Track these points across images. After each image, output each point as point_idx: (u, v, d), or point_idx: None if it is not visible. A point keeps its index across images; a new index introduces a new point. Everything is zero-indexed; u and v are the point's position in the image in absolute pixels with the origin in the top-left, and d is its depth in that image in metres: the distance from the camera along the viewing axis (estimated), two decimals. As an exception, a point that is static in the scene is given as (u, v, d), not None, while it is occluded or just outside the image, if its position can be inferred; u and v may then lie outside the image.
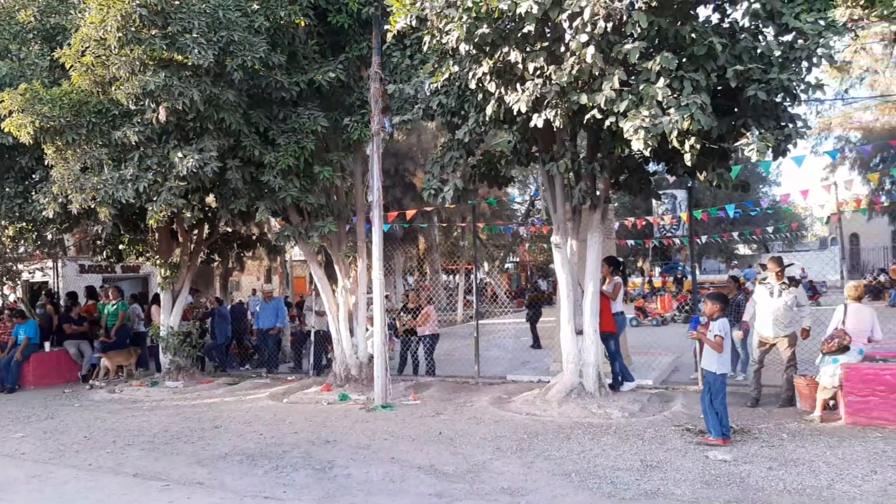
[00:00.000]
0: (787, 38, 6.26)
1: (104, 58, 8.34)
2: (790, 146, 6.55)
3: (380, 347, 8.94)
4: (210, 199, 10.90)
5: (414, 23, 7.11)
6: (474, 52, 6.94)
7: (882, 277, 26.93)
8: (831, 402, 7.31)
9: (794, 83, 6.08)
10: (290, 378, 11.57)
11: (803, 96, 6.49)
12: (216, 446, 7.10)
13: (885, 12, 5.81)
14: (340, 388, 9.83)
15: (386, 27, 7.61)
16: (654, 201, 26.98)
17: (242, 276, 27.90)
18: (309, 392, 9.92)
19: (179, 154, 8.49)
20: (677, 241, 29.91)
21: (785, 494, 5.00)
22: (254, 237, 14.45)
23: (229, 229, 12.99)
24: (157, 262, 11.48)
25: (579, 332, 8.38)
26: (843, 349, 7.06)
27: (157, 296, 12.21)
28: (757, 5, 6.23)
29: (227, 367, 12.92)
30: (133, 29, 8.04)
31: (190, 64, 8.20)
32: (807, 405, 7.53)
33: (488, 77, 7.07)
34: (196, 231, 11.99)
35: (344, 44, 9.35)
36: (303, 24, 8.87)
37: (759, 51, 6.12)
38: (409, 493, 5.40)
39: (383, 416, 8.26)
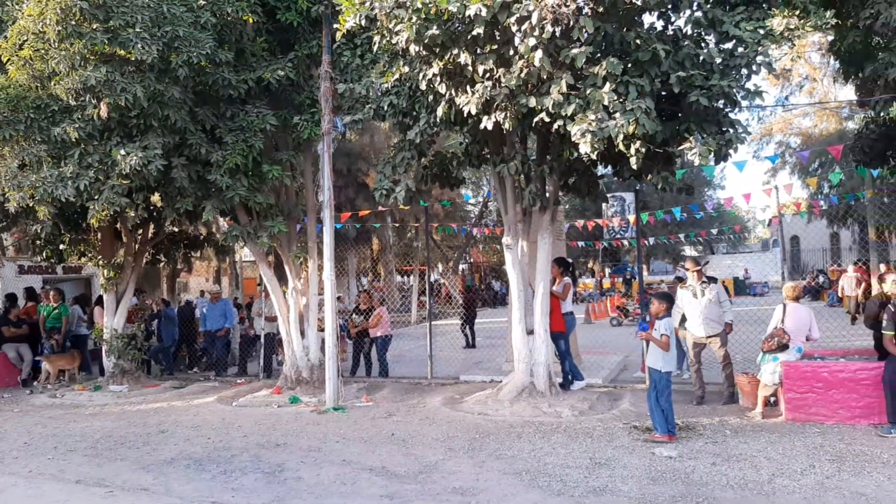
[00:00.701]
0: (728, 45, 6.44)
1: (43, 52, 8.09)
2: (731, 151, 6.75)
3: (331, 349, 8.87)
4: (155, 197, 10.66)
5: (363, 22, 7.08)
6: (424, 53, 6.95)
7: (821, 278, 27.96)
8: (772, 399, 7.56)
9: (735, 90, 6.25)
10: (239, 381, 11.39)
11: (744, 102, 6.68)
12: (162, 451, 6.94)
13: (819, 23, 6.05)
14: (291, 391, 9.72)
15: (336, 26, 7.56)
16: (603, 204, 27.50)
17: (191, 276, 27.33)
18: (259, 395, 9.78)
19: (122, 151, 8.28)
20: (626, 242, 30.50)
21: (728, 489, 5.15)
22: (201, 237, 14.17)
23: (176, 229, 12.70)
24: (100, 262, 11.18)
25: (530, 332, 8.47)
26: (783, 347, 7.30)
27: (101, 297, 11.87)
28: (699, 13, 6.40)
29: (174, 370, 12.65)
30: (73, 22, 7.82)
31: (133, 59, 8.01)
32: (749, 402, 7.77)
33: (438, 78, 7.09)
34: (141, 230, 11.72)
35: (293, 42, 9.25)
36: (251, 20, 8.75)
37: (701, 58, 6.28)
38: (361, 494, 5.37)
39: (335, 419, 8.20)
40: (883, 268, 16.36)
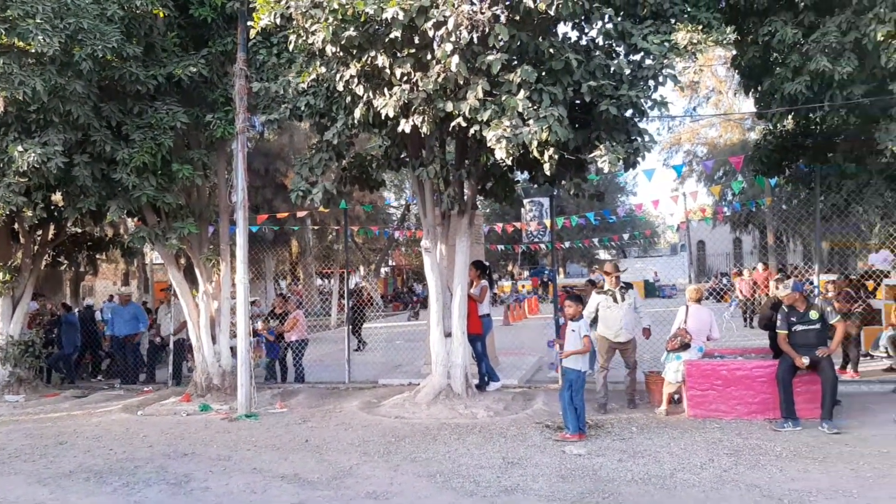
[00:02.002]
0: (637, 57, 6.72)
1: (-70, 40, 7.53)
2: (639, 159, 7.03)
3: (243, 354, 8.65)
4: (56, 196, 10.13)
5: (279, 21, 6.96)
6: (341, 54, 6.90)
7: (725, 281, 29.38)
8: (676, 397, 7.89)
9: (642, 100, 6.52)
10: (146, 389, 10.92)
11: (651, 113, 6.98)
12: (60, 464, 6.60)
13: (720, 38, 6.39)
14: (201, 399, 9.41)
15: (251, 23, 7.40)
16: (522, 208, 28.02)
17: (96, 280, 26.04)
18: (167, 403, 9.42)
19: (20, 147, 7.83)
20: (544, 246, 31.18)
21: (632, 484, 5.35)
22: (107, 238, 13.51)
23: (78, 230, 12.09)
24: (-5, 265, 10.50)
25: (448, 335, 8.53)
26: (685, 347, 7.64)
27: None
28: (610, 25, 6.65)
29: (75, 378, 12.00)
30: (-34, 10, 7.32)
31: (33, 51, 7.56)
32: (654, 400, 8.07)
33: (356, 80, 7.05)
34: (40, 231, 11.08)
35: (207, 38, 8.98)
36: (161, 14, 8.43)
37: (611, 68, 6.51)
38: (271, 503, 5.26)
39: (247, 426, 8.00)
40: (761, 268, 17.35)
